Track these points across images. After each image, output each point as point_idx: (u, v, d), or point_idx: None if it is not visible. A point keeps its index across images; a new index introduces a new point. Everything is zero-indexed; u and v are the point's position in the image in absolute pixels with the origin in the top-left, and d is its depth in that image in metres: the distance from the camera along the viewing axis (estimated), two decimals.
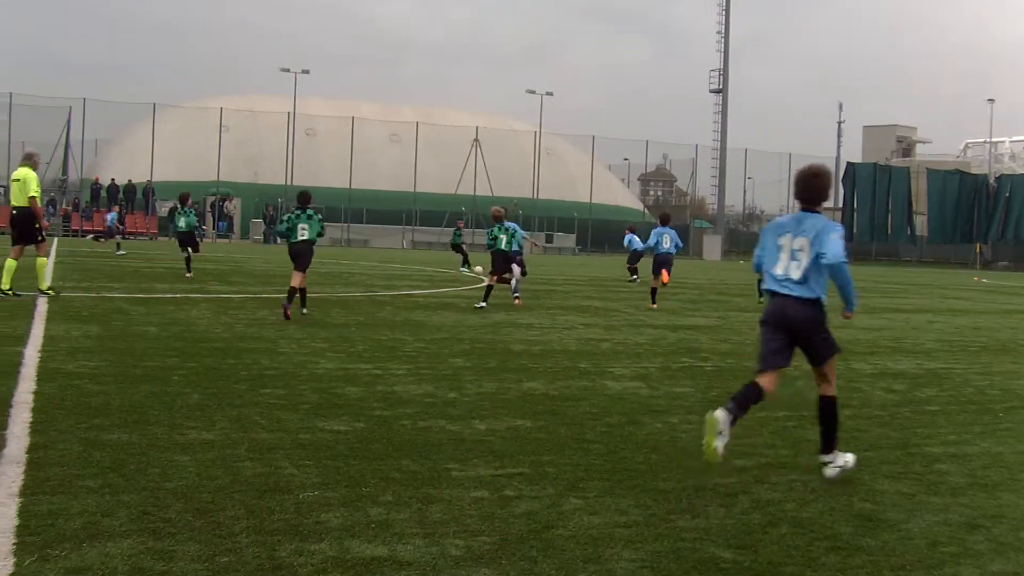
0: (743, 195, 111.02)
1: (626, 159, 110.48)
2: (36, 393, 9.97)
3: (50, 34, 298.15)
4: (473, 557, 5.78)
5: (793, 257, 7.96)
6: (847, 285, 8.06)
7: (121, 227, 52.97)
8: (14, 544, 5.60)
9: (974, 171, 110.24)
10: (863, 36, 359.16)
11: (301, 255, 18.83)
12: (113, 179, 74.23)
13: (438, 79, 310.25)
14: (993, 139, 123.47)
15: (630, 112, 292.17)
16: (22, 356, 12.29)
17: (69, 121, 77.17)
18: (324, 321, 17.90)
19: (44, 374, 11.08)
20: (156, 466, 7.39)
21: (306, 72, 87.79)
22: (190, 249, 30.09)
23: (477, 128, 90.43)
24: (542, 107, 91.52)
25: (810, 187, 8.14)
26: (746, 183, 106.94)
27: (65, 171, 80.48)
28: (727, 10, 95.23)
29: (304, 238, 18.82)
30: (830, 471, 8.05)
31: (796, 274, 7.94)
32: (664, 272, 25.75)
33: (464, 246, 43.90)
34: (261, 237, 76.95)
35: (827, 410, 8.18)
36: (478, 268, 23.79)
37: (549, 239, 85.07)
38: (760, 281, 27.07)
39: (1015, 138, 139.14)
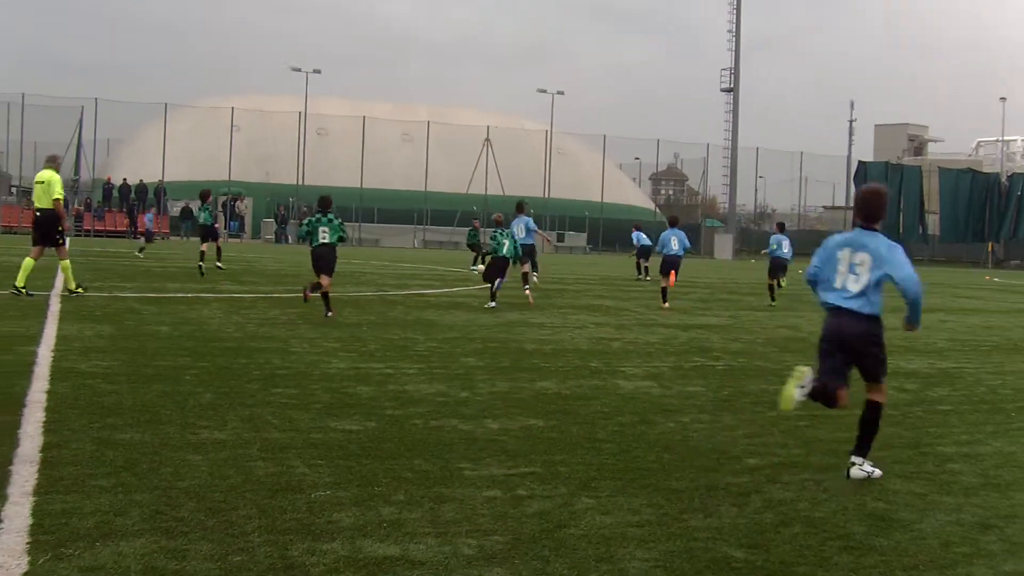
0: (754, 194, 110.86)
1: (637, 158, 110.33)
2: (49, 392, 10.00)
3: (49, 34, 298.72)
4: (485, 556, 5.78)
5: (852, 271, 8.07)
6: (917, 302, 8.13)
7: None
8: (28, 543, 5.62)
9: (986, 170, 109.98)
10: (875, 34, 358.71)
11: (322, 259, 18.77)
12: (125, 179, 74.33)
13: (446, 79, 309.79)
14: (1005, 138, 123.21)
15: (641, 111, 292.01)
16: (35, 356, 12.32)
17: (81, 121, 77.25)
18: (336, 321, 17.90)
19: (57, 373, 11.11)
20: (168, 465, 7.40)
21: (317, 72, 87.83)
22: (211, 241, 31.11)
23: (488, 128, 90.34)
24: (553, 106, 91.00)
25: (872, 205, 8.26)
26: (757, 182, 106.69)
27: (77, 171, 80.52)
28: (738, 9, 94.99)
29: (325, 241, 18.73)
30: (856, 471, 8.07)
31: (854, 288, 8.05)
32: (672, 274, 25.94)
33: (481, 245, 43.92)
34: (273, 237, 76.93)
35: (871, 415, 8.23)
36: (480, 267, 24.04)
37: (560, 238, 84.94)
38: (772, 286, 26.97)
39: None
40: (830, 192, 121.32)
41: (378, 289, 26.91)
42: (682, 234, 26.83)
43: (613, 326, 19.59)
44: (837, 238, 8.36)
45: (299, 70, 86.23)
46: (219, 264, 31.10)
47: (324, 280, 18.60)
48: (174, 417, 9.13)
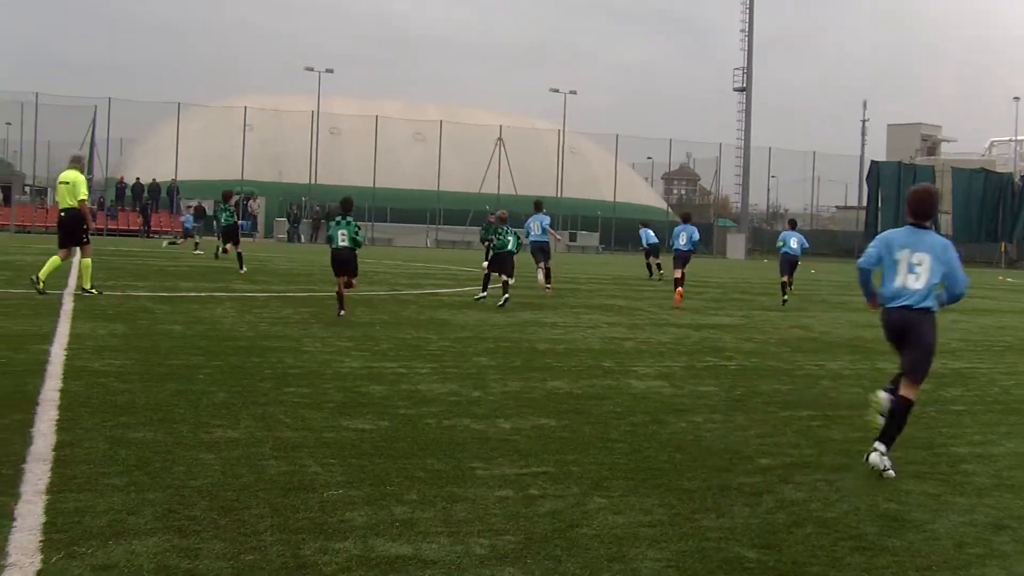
0: (767, 194, 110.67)
1: (650, 158, 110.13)
2: (62, 391, 10.02)
3: (49, 34, 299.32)
4: (498, 556, 5.78)
5: (911, 270, 8.46)
6: (957, 301, 8.73)
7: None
8: (41, 541, 5.63)
9: (999, 170, 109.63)
10: (887, 34, 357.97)
11: (340, 262, 18.82)
12: (138, 178, 74.44)
13: (453, 78, 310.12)
14: (1018, 137, 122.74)
15: (654, 110, 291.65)
16: (48, 354, 12.34)
17: (94, 120, 77.31)
18: (348, 320, 17.91)
19: (70, 372, 11.13)
20: (181, 464, 7.41)
21: (330, 71, 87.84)
22: (231, 245, 31.49)
23: (501, 127, 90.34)
24: (565, 106, 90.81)
25: (925, 204, 8.68)
26: (770, 182, 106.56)
27: (90, 170, 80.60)
28: (751, 8, 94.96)
29: (343, 244, 18.77)
30: (875, 457, 8.22)
31: (916, 286, 8.43)
32: (679, 271, 26.95)
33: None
34: (285, 236, 77.05)
35: (900, 410, 8.50)
36: (485, 264, 24.23)
37: (573, 237, 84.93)
38: (786, 284, 26.91)
39: None
40: (843, 192, 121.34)
41: (391, 288, 26.92)
42: (693, 229, 27.73)
43: (625, 326, 19.58)
44: (893, 239, 8.67)
45: (312, 69, 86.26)
46: (241, 270, 30.75)
47: (341, 282, 18.70)
48: (187, 416, 9.14)
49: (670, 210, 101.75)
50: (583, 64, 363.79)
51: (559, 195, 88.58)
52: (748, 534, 6.41)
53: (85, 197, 20.71)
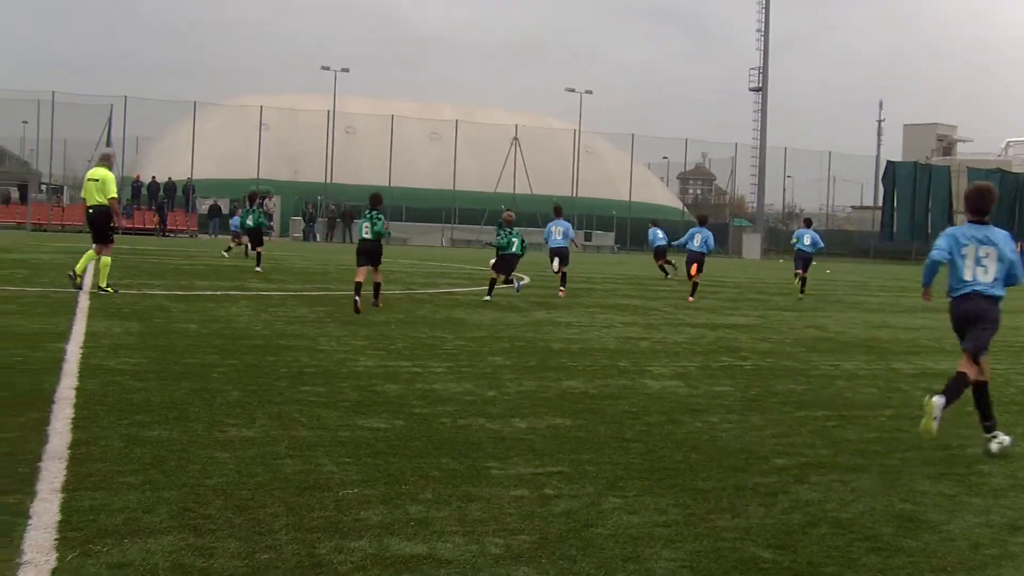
0: (783, 194, 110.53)
1: (665, 158, 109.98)
2: (78, 389, 10.04)
3: (49, 34, 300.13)
4: (513, 555, 5.78)
5: (979, 263, 9.14)
6: (1015, 284, 9.34)
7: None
8: (56, 539, 5.64)
9: (1015, 170, 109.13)
10: (903, 33, 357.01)
11: (362, 253, 19.86)
12: (154, 177, 74.52)
13: (469, 77, 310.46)
14: None
15: (669, 110, 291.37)
16: (64, 352, 12.37)
17: (110, 119, 77.42)
18: (364, 319, 17.93)
19: (86, 370, 11.16)
20: (196, 463, 7.42)
21: (346, 71, 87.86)
22: (255, 246, 32.06)
23: (516, 127, 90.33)
24: (581, 105, 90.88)
25: (984, 200, 9.47)
26: (786, 182, 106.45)
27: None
28: (767, 8, 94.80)
29: (367, 236, 19.84)
30: (994, 445, 9.13)
31: (986, 278, 9.14)
32: (694, 266, 27.44)
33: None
34: (301, 235, 77.13)
35: (982, 392, 9.30)
36: (492, 261, 24.30)
37: (588, 237, 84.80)
38: (800, 278, 27.10)
39: None
40: (858, 192, 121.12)
41: (406, 287, 26.93)
42: (708, 233, 27.86)
43: (641, 325, 19.56)
44: (959, 235, 9.39)
45: (328, 69, 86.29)
46: (257, 268, 31.15)
47: (361, 273, 19.38)
48: (202, 414, 9.15)
49: (685, 210, 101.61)
50: (598, 64, 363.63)
51: (574, 195, 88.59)
52: (763, 534, 6.40)
53: (115, 195, 21.20)
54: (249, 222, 32.50)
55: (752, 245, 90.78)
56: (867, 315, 24.67)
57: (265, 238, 32.82)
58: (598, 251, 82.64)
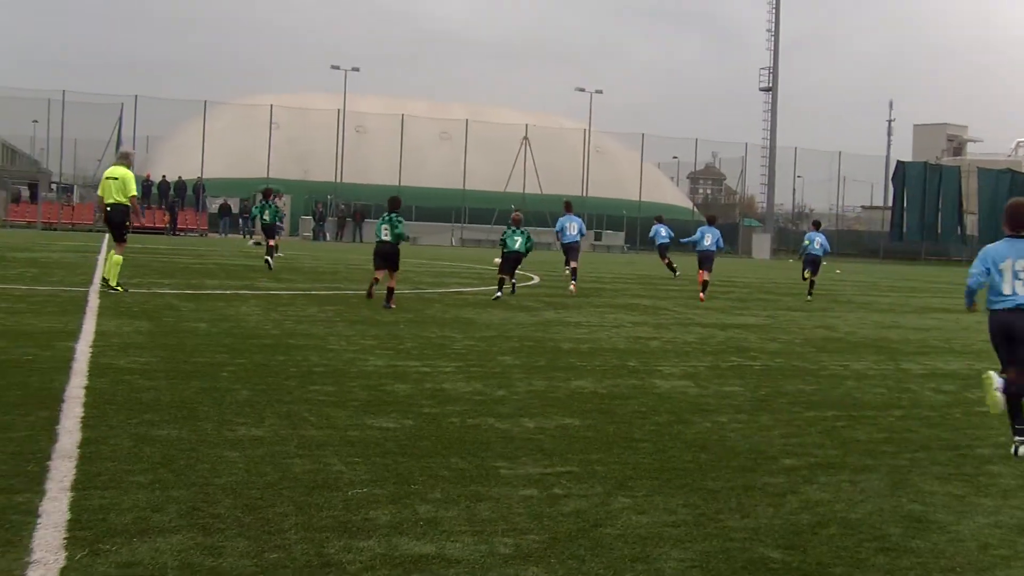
0: (792, 194, 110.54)
1: (675, 157, 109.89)
2: (88, 388, 10.06)
3: (49, 33, 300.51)
4: (522, 555, 5.78)
5: (1017, 276, 9.18)
6: None
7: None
8: (65, 538, 5.65)
9: None
10: (914, 33, 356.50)
11: (381, 255, 20.56)
12: (164, 176, 74.61)
13: (479, 76, 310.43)
14: None
15: (680, 110, 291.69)
16: (74, 351, 12.39)
17: (121, 118, 77.55)
18: (373, 318, 17.94)
19: (95, 369, 11.17)
20: (206, 462, 7.43)
21: (356, 70, 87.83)
22: (268, 241, 32.17)
23: (527, 126, 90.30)
24: (591, 105, 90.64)
25: (1022, 214, 9.45)
26: (795, 182, 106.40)
27: None
28: (777, 8, 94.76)
29: (385, 239, 20.48)
30: (1023, 450, 9.10)
31: None
32: (704, 270, 27.88)
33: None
34: (311, 234, 77.17)
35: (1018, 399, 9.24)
36: (497, 260, 24.42)
37: (598, 237, 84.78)
38: (809, 281, 27.22)
39: None
40: (868, 192, 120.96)
41: (415, 287, 26.93)
42: (717, 232, 28.35)
43: (650, 325, 19.55)
44: (993, 252, 9.44)
45: (338, 68, 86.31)
46: (268, 259, 31.26)
47: (379, 275, 20.30)
48: (211, 414, 9.16)
49: (695, 209, 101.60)
50: (609, 63, 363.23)
51: (584, 194, 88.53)
52: (772, 534, 6.40)
53: (135, 193, 21.27)
54: (265, 217, 32.49)
55: (762, 245, 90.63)
56: (877, 315, 24.63)
57: (277, 236, 32.67)
58: (608, 251, 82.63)
